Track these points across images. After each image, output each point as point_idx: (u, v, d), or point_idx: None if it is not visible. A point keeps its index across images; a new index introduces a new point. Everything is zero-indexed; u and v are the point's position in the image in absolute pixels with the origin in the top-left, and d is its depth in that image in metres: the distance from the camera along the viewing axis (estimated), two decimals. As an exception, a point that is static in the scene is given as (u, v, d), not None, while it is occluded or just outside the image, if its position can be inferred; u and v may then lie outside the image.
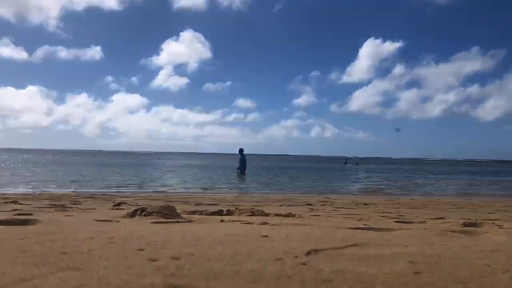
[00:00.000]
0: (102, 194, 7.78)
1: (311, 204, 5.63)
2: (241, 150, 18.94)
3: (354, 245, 1.64)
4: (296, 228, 2.15)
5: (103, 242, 1.55)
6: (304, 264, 1.26)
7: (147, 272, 1.09)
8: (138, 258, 1.28)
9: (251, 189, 10.79)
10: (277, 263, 1.26)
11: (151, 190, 9.81)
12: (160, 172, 19.75)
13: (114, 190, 9.42)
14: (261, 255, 1.37)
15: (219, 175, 18.29)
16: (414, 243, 1.75)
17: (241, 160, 18.96)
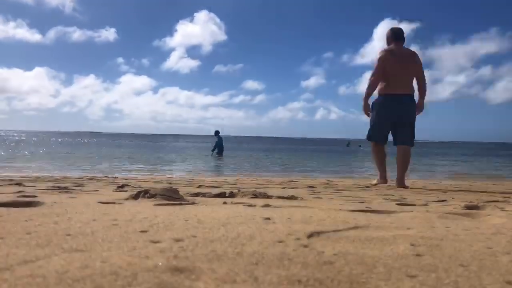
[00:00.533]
0: (105, 176, 7.83)
1: (313, 187, 5.65)
2: (217, 132, 19.08)
3: (356, 227, 1.65)
4: (298, 210, 2.16)
5: (106, 224, 1.56)
6: (306, 246, 1.27)
7: (150, 254, 1.10)
8: (141, 240, 1.29)
9: (224, 171, 10.84)
10: (279, 245, 1.26)
11: (156, 174, 9.86)
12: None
13: (117, 173, 9.48)
14: (263, 237, 1.38)
15: (195, 158, 18.27)
16: (416, 225, 1.75)
17: (217, 143, 19.08)
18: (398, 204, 2.97)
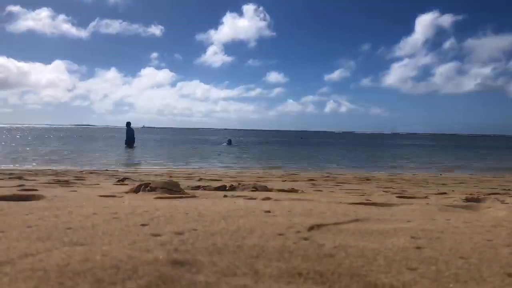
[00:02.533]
0: (106, 170, 7.83)
1: (313, 180, 5.66)
2: (128, 124, 19.11)
3: (356, 220, 1.65)
4: (299, 203, 2.16)
5: (107, 218, 1.56)
6: (306, 239, 1.27)
7: (151, 247, 1.10)
8: (141, 233, 1.29)
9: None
10: (280, 238, 1.27)
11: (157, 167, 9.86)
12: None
13: (117, 167, 9.49)
14: (263, 230, 1.38)
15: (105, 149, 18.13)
16: (416, 218, 1.75)
17: (128, 134, 19.11)
18: (398, 197, 2.97)
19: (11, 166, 8.93)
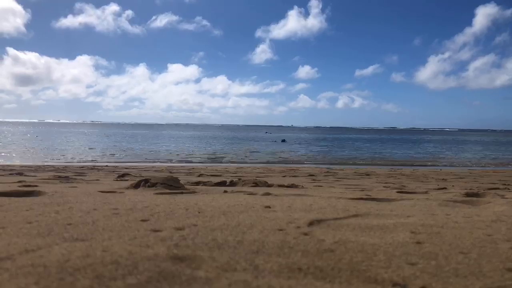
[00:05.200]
0: (106, 166, 7.84)
1: (314, 175, 5.66)
2: None
3: (356, 215, 1.65)
4: (299, 199, 2.16)
5: (107, 213, 1.56)
6: (306, 234, 1.27)
7: (151, 243, 1.10)
8: (142, 229, 1.29)
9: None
10: (280, 233, 1.27)
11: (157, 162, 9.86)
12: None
13: (117, 162, 9.49)
14: (263, 225, 1.38)
15: None
16: (416, 213, 1.76)
17: None
18: (398, 192, 2.97)
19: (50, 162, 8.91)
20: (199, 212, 1.63)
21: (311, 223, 1.44)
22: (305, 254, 1.05)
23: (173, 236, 1.19)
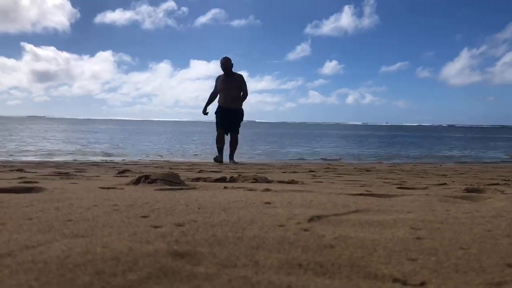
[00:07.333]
0: (106, 162, 7.84)
1: (314, 171, 5.66)
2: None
3: (356, 211, 1.65)
4: (299, 195, 2.17)
5: (107, 210, 1.56)
6: (306, 230, 1.27)
7: (151, 239, 1.10)
8: (142, 225, 1.30)
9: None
10: (280, 229, 1.27)
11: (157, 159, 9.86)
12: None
13: (118, 158, 9.49)
14: (263, 221, 1.38)
15: None
16: (416, 209, 1.76)
17: None
18: (398, 188, 2.97)
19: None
20: (199, 208, 1.63)
21: (311, 219, 1.44)
22: (305, 250, 1.05)
23: (173, 232, 1.19)
